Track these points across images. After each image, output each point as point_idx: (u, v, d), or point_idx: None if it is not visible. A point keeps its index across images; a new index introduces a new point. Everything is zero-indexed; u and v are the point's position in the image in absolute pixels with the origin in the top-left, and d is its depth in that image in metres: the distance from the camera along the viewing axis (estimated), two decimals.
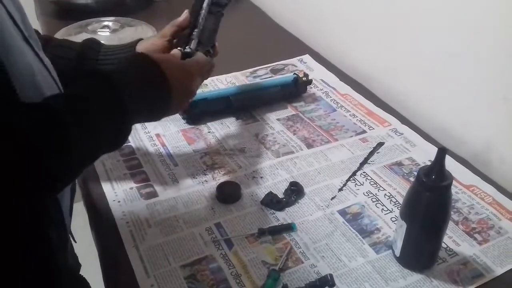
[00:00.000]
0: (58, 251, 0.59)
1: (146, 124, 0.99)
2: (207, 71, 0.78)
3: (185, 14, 0.81)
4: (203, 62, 0.74)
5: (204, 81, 1.16)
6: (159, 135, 0.96)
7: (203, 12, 0.78)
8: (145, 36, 1.31)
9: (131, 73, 0.61)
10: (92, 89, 0.55)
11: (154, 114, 0.65)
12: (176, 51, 0.75)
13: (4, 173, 0.44)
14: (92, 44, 0.80)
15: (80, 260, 0.75)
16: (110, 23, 1.36)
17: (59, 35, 1.30)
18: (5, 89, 0.47)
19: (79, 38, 1.28)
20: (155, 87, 0.62)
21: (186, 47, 0.75)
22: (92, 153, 0.55)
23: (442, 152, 0.62)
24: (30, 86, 0.51)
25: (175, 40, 0.82)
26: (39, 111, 0.48)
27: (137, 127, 0.98)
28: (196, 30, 0.77)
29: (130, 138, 0.95)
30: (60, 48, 0.77)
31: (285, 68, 1.22)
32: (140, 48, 0.80)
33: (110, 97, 0.55)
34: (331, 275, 0.67)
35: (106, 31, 1.34)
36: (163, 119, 0.73)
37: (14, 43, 0.50)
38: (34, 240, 0.54)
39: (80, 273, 0.71)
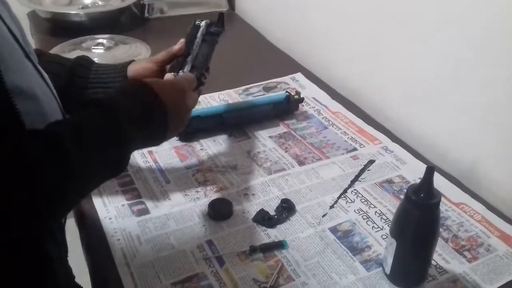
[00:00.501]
0: (59, 270, 0.59)
1: None
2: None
3: (180, 43, 0.82)
4: (192, 76, 0.74)
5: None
6: (152, 151, 0.97)
7: (197, 40, 0.79)
8: (138, 53, 1.34)
9: (129, 101, 0.61)
10: (94, 118, 0.56)
11: (154, 138, 0.65)
12: (169, 76, 0.75)
13: (7, 201, 0.44)
14: (84, 62, 0.81)
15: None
16: (104, 41, 1.38)
17: (53, 52, 1.31)
18: (8, 111, 0.47)
19: (73, 55, 1.28)
20: (152, 111, 0.62)
21: (180, 71, 0.76)
22: (94, 180, 0.56)
23: (431, 170, 0.63)
24: (30, 100, 0.52)
25: (167, 66, 0.82)
26: (42, 138, 0.49)
27: None
28: (190, 56, 0.78)
29: None
30: (51, 64, 0.76)
31: (278, 86, 1.23)
32: (131, 70, 0.80)
33: (112, 126, 0.56)
34: None
35: (100, 49, 1.35)
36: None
37: (16, 59, 0.51)
38: (36, 259, 0.54)
39: None
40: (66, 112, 0.62)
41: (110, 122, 0.56)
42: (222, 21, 0.85)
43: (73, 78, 0.77)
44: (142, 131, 0.61)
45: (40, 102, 0.54)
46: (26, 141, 0.47)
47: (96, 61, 0.84)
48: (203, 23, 0.82)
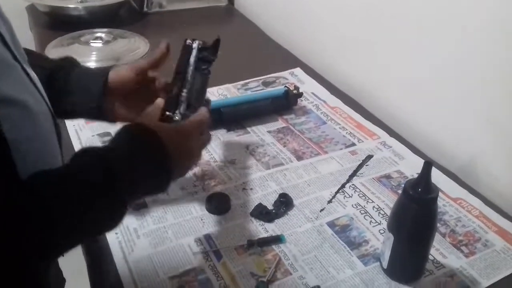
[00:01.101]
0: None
1: None
2: (206, 126, 0.71)
3: (162, 46, 0.77)
4: (199, 118, 0.68)
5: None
6: None
7: (190, 68, 0.73)
8: (137, 48, 1.34)
9: (129, 151, 0.57)
10: (89, 172, 0.53)
11: (156, 190, 0.62)
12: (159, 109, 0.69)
13: None
14: (66, 64, 0.75)
15: (67, 271, 0.74)
16: (103, 35, 1.37)
17: (52, 46, 1.31)
18: None
19: (72, 49, 1.30)
20: (158, 163, 0.59)
21: (176, 113, 0.69)
22: (83, 233, 0.53)
23: (428, 165, 0.63)
24: (18, 107, 0.50)
25: (158, 81, 0.77)
26: (24, 192, 0.47)
27: None
28: (184, 90, 0.71)
29: None
30: (33, 68, 0.69)
31: (276, 81, 1.23)
32: (112, 76, 0.75)
33: (107, 185, 0.53)
34: (319, 286, 0.68)
35: (99, 43, 1.35)
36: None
37: (3, 65, 0.50)
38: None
39: (67, 283, 0.71)
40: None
41: (106, 181, 0.53)
42: (217, 47, 0.78)
43: (53, 81, 0.72)
44: (144, 185, 0.58)
45: (30, 107, 0.52)
46: (9, 192, 0.46)
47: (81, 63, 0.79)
48: (195, 45, 0.76)
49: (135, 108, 0.75)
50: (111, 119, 0.77)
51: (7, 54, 0.52)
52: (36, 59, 0.71)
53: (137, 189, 0.58)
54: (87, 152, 0.55)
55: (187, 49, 0.75)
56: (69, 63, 0.75)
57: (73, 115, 0.75)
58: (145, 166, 0.58)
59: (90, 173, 0.52)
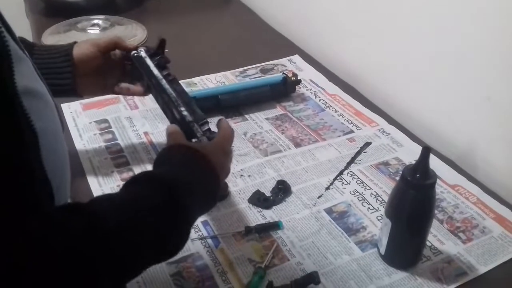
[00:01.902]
0: None
1: (134, 122, 0.99)
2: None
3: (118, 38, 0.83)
4: (228, 134, 0.67)
5: (193, 80, 1.17)
6: (147, 133, 0.96)
7: (163, 82, 0.76)
8: (134, 35, 1.33)
9: (188, 175, 0.56)
10: (147, 196, 0.51)
11: (207, 209, 0.61)
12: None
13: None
14: (24, 45, 0.76)
15: None
16: (100, 21, 1.36)
17: (48, 33, 1.30)
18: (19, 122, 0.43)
19: (69, 36, 1.29)
20: (209, 186, 0.58)
21: (198, 135, 0.69)
22: (136, 267, 0.50)
23: (426, 151, 0.63)
24: (37, 95, 0.50)
25: (113, 54, 0.83)
26: (78, 216, 0.44)
27: (125, 125, 0.98)
28: (182, 109, 0.72)
29: (118, 136, 0.95)
30: None
31: (275, 68, 1.22)
32: (76, 52, 0.77)
33: (173, 211, 0.51)
34: (316, 272, 0.68)
35: (96, 29, 1.34)
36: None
37: (16, 53, 0.49)
38: None
39: None
40: None
41: (172, 206, 0.51)
42: (163, 47, 0.82)
43: None
44: (199, 201, 0.57)
45: (45, 97, 0.52)
46: (58, 213, 0.43)
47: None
48: (142, 53, 0.81)
49: (98, 82, 0.82)
50: (79, 94, 0.81)
51: (14, 44, 0.50)
52: None
53: (196, 214, 0.57)
54: (145, 176, 0.54)
55: (139, 60, 0.80)
56: (25, 45, 0.73)
57: None
58: (201, 192, 0.57)
59: (153, 197, 0.51)
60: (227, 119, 1.02)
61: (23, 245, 0.38)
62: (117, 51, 0.84)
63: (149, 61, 0.80)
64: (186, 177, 0.55)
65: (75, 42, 0.81)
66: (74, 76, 0.77)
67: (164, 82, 0.77)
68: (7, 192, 0.40)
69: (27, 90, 0.46)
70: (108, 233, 0.44)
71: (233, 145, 0.92)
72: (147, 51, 0.82)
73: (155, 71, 0.78)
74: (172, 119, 0.74)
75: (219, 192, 0.61)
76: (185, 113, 0.72)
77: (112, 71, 0.84)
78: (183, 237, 0.54)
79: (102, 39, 0.81)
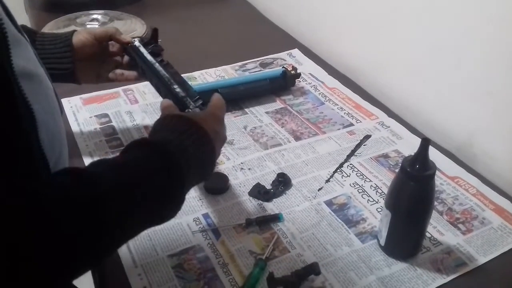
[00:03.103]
0: None
1: (135, 116, 0.99)
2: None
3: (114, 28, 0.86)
4: (220, 103, 0.69)
5: (193, 74, 1.17)
6: (148, 127, 0.96)
7: (156, 66, 0.79)
8: (134, 29, 1.33)
9: (180, 137, 0.57)
10: (145, 159, 0.52)
11: (205, 174, 0.61)
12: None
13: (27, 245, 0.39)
14: (27, 33, 0.78)
15: None
16: (99, 16, 1.36)
17: (48, 28, 1.29)
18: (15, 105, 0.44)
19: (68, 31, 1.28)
20: (203, 149, 0.59)
21: (191, 107, 0.71)
22: (133, 228, 0.51)
23: (426, 142, 0.63)
24: (35, 77, 0.51)
25: (111, 45, 0.86)
26: (77, 181, 0.45)
27: (125, 120, 0.98)
28: (174, 87, 0.74)
29: (118, 130, 0.96)
30: None
31: (274, 62, 1.22)
32: (75, 39, 0.81)
33: (166, 166, 0.52)
34: (316, 263, 0.68)
35: (95, 24, 1.33)
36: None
37: (13, 36, 0.49)
38: None
39: None
40: None
41: (171, 166, 0.52)
42: (156, 37, 0.87)
43: None
44: (195, 169, 0.57)
45: (43, 80, 0.53)
46: (56, 181, 0.44)
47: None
48: (136, 43, 0.85)
49: (94, 69, 0.86)
50: (77, 81, 0.84)
51: (12, 28, 0.51)
52: None
53: (191, 179, 0.57)
54: (141, 143, 0.55)
55: (134, 49, 0.84)
56: (28, 33, 0.76)
57: None
58: (196, 159, 0.57)
59: (149, 161, 0.52)
60: (227, 113, 1.01)
61: (21, 206, 0.40)
62: (115, 44, 0.87)
63: (143, 50, 0.83)
64: (181, 142, 0.56)
65: (74, 31, 0.85)
66: (73, 62, 0.80)
67: (157, 65, 0.80)
68: (4, 163, 0.41)
69: (25, 72, 0.48)
70: (104, 194, 0.45)
71: (233, 138, 0.94)
72: (140, 41, 0.85)
73: (149, 57, 0.82)
74: (165, 95, 0.76)
75: (216, 158, 0.62)
76: (178, 90, 0.74)
77: (108, 61, 0.88)
78: (178, 201, 0.54)
79: (99, 29, 0.86)
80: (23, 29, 0.75)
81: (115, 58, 0.89)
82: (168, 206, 0.54)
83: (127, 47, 0.86)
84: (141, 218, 0.51)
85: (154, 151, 0.53)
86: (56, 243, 0.41)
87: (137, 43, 0.85)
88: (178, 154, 0.54)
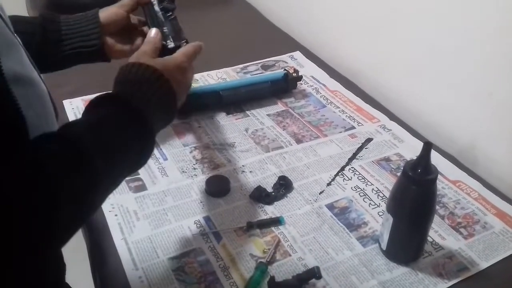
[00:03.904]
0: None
1: None
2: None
3: None
4: (191, 52, 0.73)
5: (195, 76, 1.17)
6: None
7: (159, 14, 0.80)
8: None
9: (143, 88, 0.60)
10: (114, 116, 0.55)
11: (168, 119, 0.65)
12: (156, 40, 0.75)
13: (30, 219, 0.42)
14: (51, 17, 0.79)
15: (68, 252, 0.74)
16: None
17: None
18: (7, 106, 0.46)
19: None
20: (165, 95, 0.62)
21: (168, 42, 0.76)
22: (116, 181, 0.55)
23: (428, 146, 0.63)
24: (27, 82, 0.51)
25: (132, 17, 0.85)
26: (62, 145, 0.47)
27: None
28: (165, 28, 0.78)
29: None
30: (20, 24, 0.71)
31: (276, 65, 1.22)
32: (103, 16, 0.81)
33: (135, 120, 0.56)
34: (318, 267, 0.68)
35: None
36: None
37: (6, 39, 0.49)
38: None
39: (67, 264, 0.71)
40: (43, 69, 0.61)
41: (134, 117, 0.56)
42: None
43: (46, 33, 0.76)
44: (160, 116, 0.61)
45: (37, 84, 0.52)
46: (42, 148, 0.46)
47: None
48: (155, 1, 0.84)
49: (126, 42, 0.83)
50: (108, 58, 0.82)
51: (6, 30, 0.51)
52: (17, 16, 0.74)
53: (157, 127, 0.61)
54: (110, 100, 0.57)
55: (149, 8, 0.82)
56: (52, 16, 0.79)
57: (75, 61, 0.79)
58: (158, 106, 0.60)
59: (116, 116, 0.55)
60: (228, 115, 1.02)
61: (15, 168, 0.43)
62: (134, 17, 0.86)
63: (156, 7, 0.82)
64: (143, 95, 0.59)
65: (99, 8, 0.84)
66: (101, 37, 0.79)
67: (160, 14, 0.80)
68: None
69: (17, 76, 0.48)
70: (85, 152, 0.48)
71: (234, 141, 0.93)
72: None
73: (156, 8, 0.81)
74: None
75: (178, 104, 0.65)
76: (165, 30, 0.76)
77: (134, 33, 0.86)
78: (150, 147, 0.58)
79: (126, 0, 0.84)
80: (49, 14, 0.78)
81: (140, 29, 0.87)
82: (142, 154, 0.58)
83: (144, 8, 0.83)
84: (122, 169, 0.55)
85: (123, 108, 0.56)
86: (54, 197, 0.44)
87: (155, 1, 0.83)
88: (143, 107, 0.57)
